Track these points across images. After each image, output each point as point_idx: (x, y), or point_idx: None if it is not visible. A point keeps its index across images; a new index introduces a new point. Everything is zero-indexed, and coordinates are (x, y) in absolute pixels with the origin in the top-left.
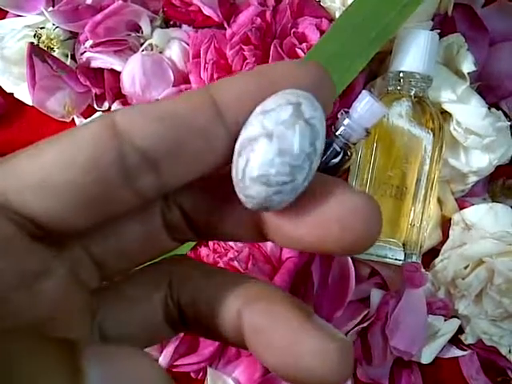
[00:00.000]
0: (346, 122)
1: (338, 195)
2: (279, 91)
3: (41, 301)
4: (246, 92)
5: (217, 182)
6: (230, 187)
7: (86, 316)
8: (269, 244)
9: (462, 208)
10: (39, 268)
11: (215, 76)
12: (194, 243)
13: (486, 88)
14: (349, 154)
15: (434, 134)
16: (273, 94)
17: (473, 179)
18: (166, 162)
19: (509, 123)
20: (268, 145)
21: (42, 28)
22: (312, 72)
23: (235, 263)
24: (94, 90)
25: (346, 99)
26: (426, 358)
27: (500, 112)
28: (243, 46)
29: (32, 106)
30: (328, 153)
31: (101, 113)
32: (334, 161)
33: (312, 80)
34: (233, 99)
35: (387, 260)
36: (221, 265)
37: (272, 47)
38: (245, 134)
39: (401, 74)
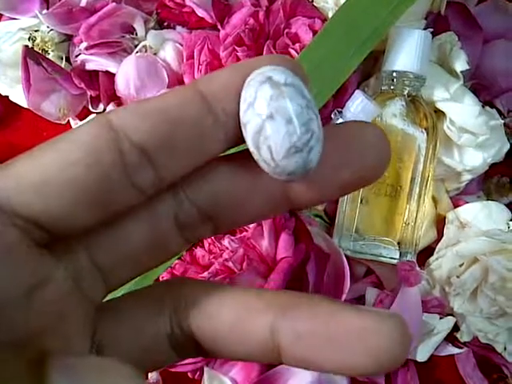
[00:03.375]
0: (340, 121)
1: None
2: (247, 79)
3: (39, 309)
4: (230, 82)
5: (239, 163)
6: (253, 165)
7: (87, 330)
8: (264, 244)
9: (456, 206)
10: (41, 275)
11: None
12: None
13: (480, 86)
14: None
15: (427, 133)
16: (244, 84)
17: (467, 177)
18: (162, 156)
19: (502, 121)
20: (275, 125)
21: (36, 31)
22: (285, 60)
23: (230, 264)
24: (89, 92)
25: (340, 99)
26: (422, 356)
27: (494, 110)
28: (236, 47)
29: (27, 109)
30: None
31: (95, 115)
32: None
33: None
34: (219, 90)
35: (382, 259)
36: (216, 266)
37: (265, 48)
38: (250, 131)
39: (394, 74)
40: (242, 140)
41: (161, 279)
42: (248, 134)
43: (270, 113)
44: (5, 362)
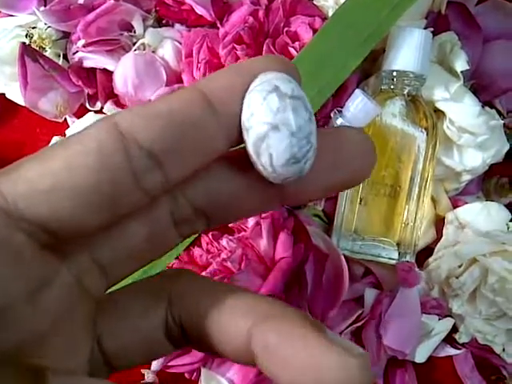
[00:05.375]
0: (339, 121)
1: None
2: (252, 83)
3: (43, 310)
4: (232, 85)
5: (237, 163)
6: (248, 164)
7: (89, 326)
8: (262, 244)
9: (455, 207)
10: (45, 277)
11: (208, 75)
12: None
13: (480, 86)
14: None
15: (427, 133)
16: (249, 89)
17: (466, 178)
18: (169, 159)
19: (502, 121)
20: (279, 135)
21: (33, 28)
22: (282, 62)
23: (228, 264)
24: (87, 90)
25: (339, 98)
26: (420, 357)
27: (494, 110)
28: (236, 46)
29: (24, 107)
30: None
31: (93, 113)
32: None
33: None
34: (222, 92)
35: (381, 259)
36: (214, 265)
37: (265, 46)
38: (252, 137)
39: (394, 73)
40: (240, 141)
41: None
42: (250, 139)
43: (275, 123)
44: (3, 377)
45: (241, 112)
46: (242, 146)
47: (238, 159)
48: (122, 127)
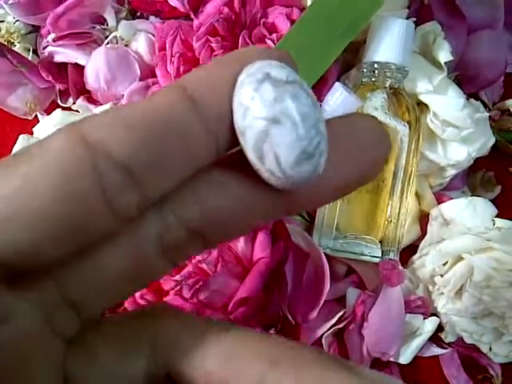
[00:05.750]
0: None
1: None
2: (239, 77)
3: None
4: (219, 81)
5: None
6: (250, 170)
7: (54, 369)
8: (239, 245)
9: (440, 202)
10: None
11: (182, 69)
12: None
13: (465, 78)
14: None
15: (410, 127)
16: (237, 84)
17: (451, 172)
18: (148, 174)
19: (488, 114)
20: (282, 129)
21: (1, 21)
22: (272, 51)
23: (204, 266)
24: (58, 86)
25: (319, 92)
26: (405, 358)
27: (479, 103)
28: (210, 38)
29: None
30: None
31: (60, 110)
32: None
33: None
34: (209, 91)
35: (364, 257)
36: (189, 268)
37: (240, 38)
38: (250, 139)
39: (375, 65)
40: (234, 145)
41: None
42: (248, 142)
43: (274, 116)
44: None
45: (231, 112)
46: (239, 147)
47: (236, 164)
48: (90, 138)
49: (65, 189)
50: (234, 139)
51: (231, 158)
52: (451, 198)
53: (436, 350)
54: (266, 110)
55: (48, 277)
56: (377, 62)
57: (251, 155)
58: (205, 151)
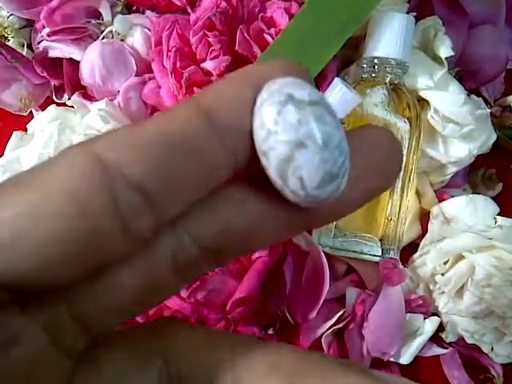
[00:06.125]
0: None
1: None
2: (260, 96)
3: (8, 370)
4: (239, 99)
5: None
6: (269, 185)
7: None
8: None
9: (441, 200)
10: (7, 335)
11: (178, 64)
12: None
13: (466, 73)
14: None
15: (410, 123)
16: (257, 104)
17: (452, 170)
18: (164, 195)
19: (489, 110)
20: (307, 152)
21: None
22: (290, 65)
23: None
24: (53, 82)
25: (318, 87)
26: (406, 358)
27: (480, 99)
28: (207, 32)
29: None
30: None
31: (54, 106)
32: None
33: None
34: (227, 109)
35: (364, 256)
36: None
37: (238, 33)
38: (274, 160)
39: (375, 60)
40: (253, 162)
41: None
42: (271, 164)
43: (299, 140)
44: None
45: (251, 131)
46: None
47: (255, 180)
48: (106, 160)
49: (78, 213)
50: (252, 157)
51: (249, 174)
52: (452, 196)
53: (437, 350)
54: (290, 134)
55: (56, 296)
56: (377, 58)
57: (273, 175)
58: (223, 170)
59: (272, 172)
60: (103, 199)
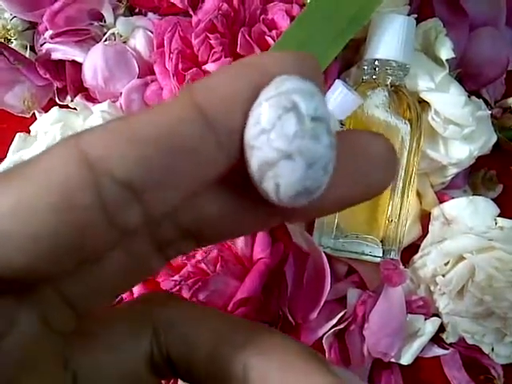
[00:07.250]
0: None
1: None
2: (263, 92)
3: (5, 358)
4: (235, 93)
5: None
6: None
7: (59, 365)
8: (239, 244)
9: (441, 201)
10: (2, 324)
11: (180, 66)
12: None
13: (466, 75)
14: None
15: (411, 125)
16: (260, 99)
17: (453, 171)
18: (152, 191)
19: (489, 112)
20: (292, 165)
21: None
22: (302, 59)
23: (203, 265)
24: (56, 84)
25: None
26: (406, 359)
27: (481, 100)
28: (209, 35)
29: None
30: None
31: (57, 108)
32: None
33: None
34: (222, 103)
35: (365, 257)
36: (188, 268)
37: (240, 35)
38: (258, 159)
39: (376, 62)
40: (241, 156)
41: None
42: (254, 161)
43: (288, 152)
44: None
45: (243, 128)
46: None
47: (233, 173)
48: (91, 154)
49: (63, 208)
50: (241, 150)
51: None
52: (452, 197)
53: (437, 351)
54: (283, 143)
55: (46, 283)
56: (378, 60)
57: (253, 172)
58: (215, 167)
59: (252, 168)
60: (89, 195)
